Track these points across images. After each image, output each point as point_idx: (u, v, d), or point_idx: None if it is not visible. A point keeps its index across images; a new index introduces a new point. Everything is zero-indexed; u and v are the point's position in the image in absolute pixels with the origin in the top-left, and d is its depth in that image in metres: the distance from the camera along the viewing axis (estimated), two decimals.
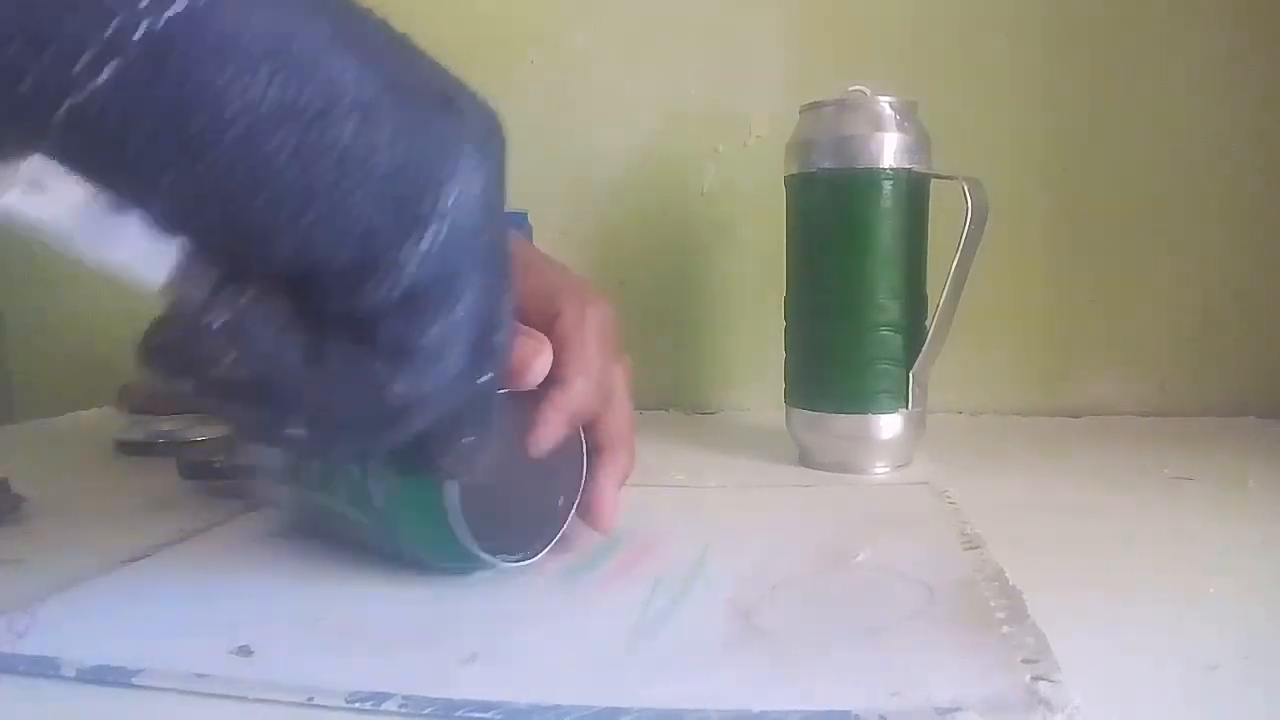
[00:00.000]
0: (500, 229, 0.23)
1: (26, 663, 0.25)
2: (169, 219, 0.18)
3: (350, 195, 0.18)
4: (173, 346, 0.20)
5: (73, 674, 0.25)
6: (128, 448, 0.56)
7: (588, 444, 0.34)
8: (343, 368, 0.20)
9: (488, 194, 0.21)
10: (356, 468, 0.31)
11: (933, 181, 0.48)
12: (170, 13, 0.15)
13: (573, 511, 0.34)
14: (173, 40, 0.16)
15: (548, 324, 0.31)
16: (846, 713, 0.22)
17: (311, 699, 0.23)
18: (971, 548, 0.34)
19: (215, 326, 0.19)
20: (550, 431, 0.30)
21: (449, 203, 0.19)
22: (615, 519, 0.34)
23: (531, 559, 0.33)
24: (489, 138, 0.21)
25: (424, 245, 0.19)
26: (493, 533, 0.31)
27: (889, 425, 0.49)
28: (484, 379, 0.24)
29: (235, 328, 0.19)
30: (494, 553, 0.31)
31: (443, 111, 0.20)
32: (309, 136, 0.17)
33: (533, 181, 0.72)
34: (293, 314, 0.20)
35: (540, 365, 0.29)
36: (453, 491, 0.29)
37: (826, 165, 0.48)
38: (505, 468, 0.31)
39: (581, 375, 0.31)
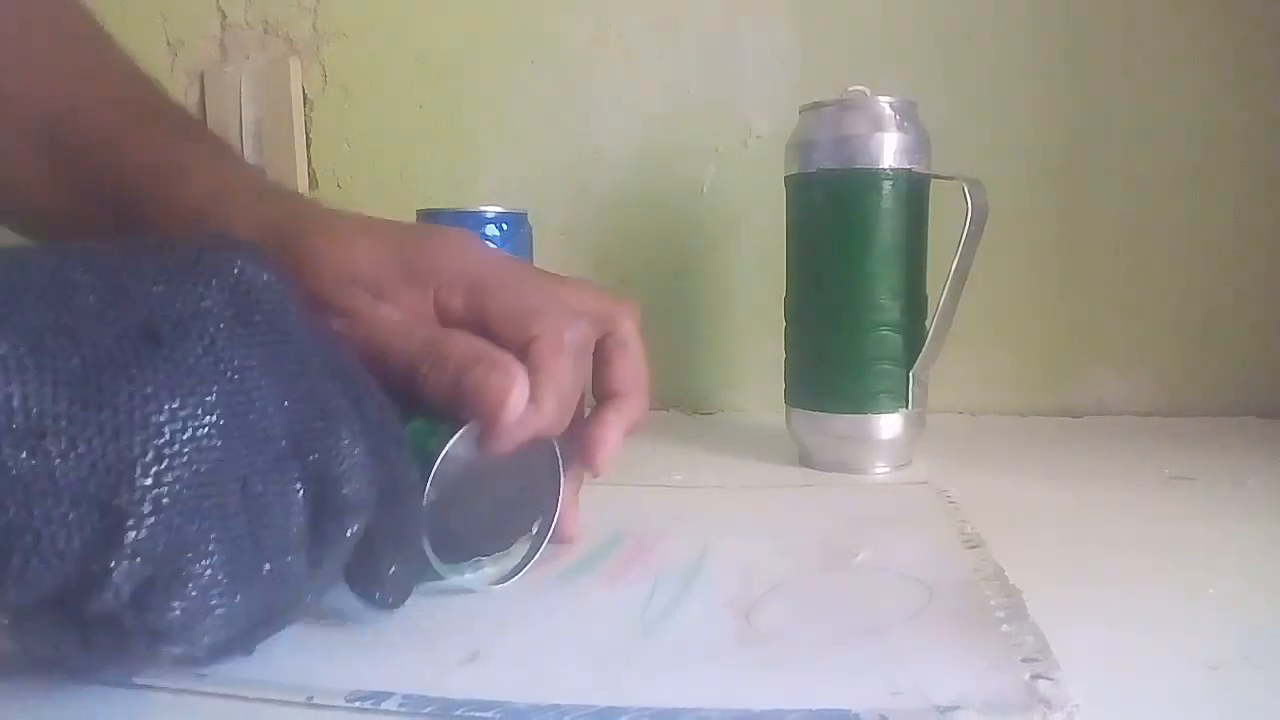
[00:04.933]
0: (304, 391, 0.22)
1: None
2: None
3: (50, 520, 0.18)
4: None
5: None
6: None
7: (563, 458, 0.33)
8: (111, 652, 0.20)
9: (230, 409, 0.20)
10: None
11: (933, 181, 0.48)
12: None
13: (551, 530, 0.33)
14: None
15: (523, 347, 0.31)
16: (846, 712, 0.22)
17: (311, 699, 0.23)
18: (971, 547, 0.34)
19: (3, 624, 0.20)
20: (509, 444, 0.29)
21: (148, 483, 0.18)
22: (609, 462, 0.34)
23: (510, 579, 0.32)
24: (220, 341, 0.20)
25: (129, 546, 0.18)
26: (470, 553, 0.32)
27: (889, 425, 0.49)
28: (349, 533, 0.23)
29: (16, 631, 0.20)
30: (470, 567, 0.32)
31: (135, 368, 0.19)
32: None
33: (533, 182, 0.73)
34: (56, 614, 0.19)
35: (516, 399, 0.28)
36: (425, 541, 0.28)
37: (826, 165, 0.48)
38: (479, 491, 0.31)
39: (552, 397, 0.30)
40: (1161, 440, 0.57)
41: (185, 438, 0.19)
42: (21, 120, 0.35)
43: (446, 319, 0.32)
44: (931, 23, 0.66)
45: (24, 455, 0.17)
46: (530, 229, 0.58)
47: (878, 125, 0.47)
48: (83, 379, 0.18)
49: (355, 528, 0.24)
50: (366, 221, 0.33)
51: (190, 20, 0.79)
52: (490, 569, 0.33)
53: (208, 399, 0.20)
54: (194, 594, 0.19)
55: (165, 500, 0.19)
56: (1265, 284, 0.65)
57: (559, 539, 0.34)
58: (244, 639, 0.23)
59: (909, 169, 0.47)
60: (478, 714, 0.22)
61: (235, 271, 0.22)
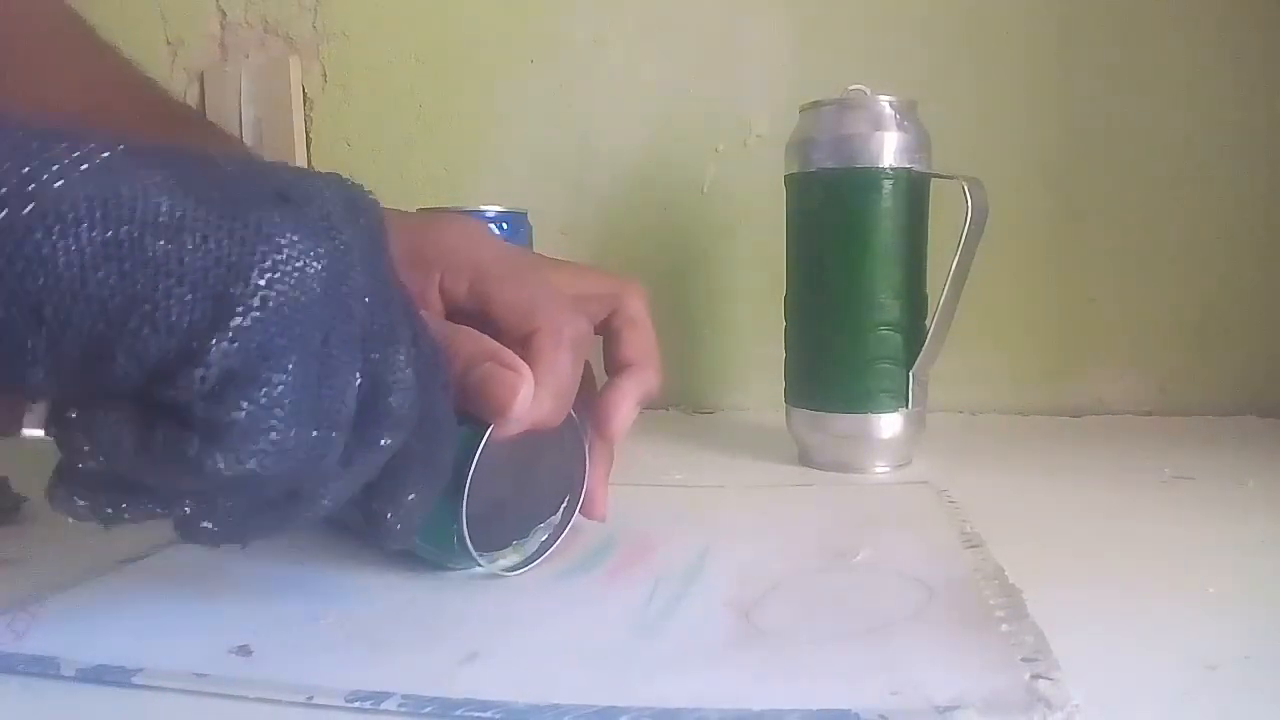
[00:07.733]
0: (382, 298, 0.24)
1: (26, 663, 0.25)
2: (23, 371, 0.20)
3: (170, 296, 0.20)
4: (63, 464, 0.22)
5: (73, 674, 0.25)
6: None
7: (588, 433, 0.35)
8: (165, 450, 0.21)
9: (333, 269, 0.22)
10: None
11: (933, 181, 0.48)
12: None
13: (576, 512, 0.35)
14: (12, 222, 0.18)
15: (524, 339, 0.31)
16: (846, 712, 0.22)
17: (311, 699, 0.23)
18: (971, 547, 0.34)
19: (74, 417, 0.21)
20: (506, 436, 0.30)
21: (261, 283, 0.20)
22: (624, 429, 0.35)
23: (533, 564, 0.33)
24: (335, 219, 0.23)
25: (232, 330, 0.20)
26: (500, 537, 0.32)
27: (889, 425, 0.49)
28: (383, 443, 0.24)
29: (88, 421, 0.21)
30: (499, 551, 0.33)
31: (267, 207, 0.21)
32: (128, 261, 0.20)
33: (533, 181, 0.73)
34: (130, 408, 0.21)
35: (520, 402, 0.29)
36: (461, 512, 0.29)
37: (826, 165, 0.48)
38: (507, 475, 0.32)
39: (549, 393, 0.31)
40: (1161, 440, 0.57)
41: (298, 265, 0.21)
42: None
43: (450, 304, 0.33)
44: (931, 23, 0.66)
45: (161, 242, 0.20)
46: (530, 228, 0.58)
47: (878, 125, 0.47)
48: (222, 204, 0.21)
49: (390, 442, 0.25)
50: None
51: (190, 20, 0.79)
52: (511, 556, 0.33)
53: (319, 249, 0.22)
54: (262, 400, 0.21)
55: (270, 304, 0.21)
56: (1263, 282, 0.65)
57: (590, 515, 0.36)
58: (261, 518, 0.24)
59: (909, 168, 0.47)
60: (477, 714, 0.22)
61: (345, 181, 0.25)
